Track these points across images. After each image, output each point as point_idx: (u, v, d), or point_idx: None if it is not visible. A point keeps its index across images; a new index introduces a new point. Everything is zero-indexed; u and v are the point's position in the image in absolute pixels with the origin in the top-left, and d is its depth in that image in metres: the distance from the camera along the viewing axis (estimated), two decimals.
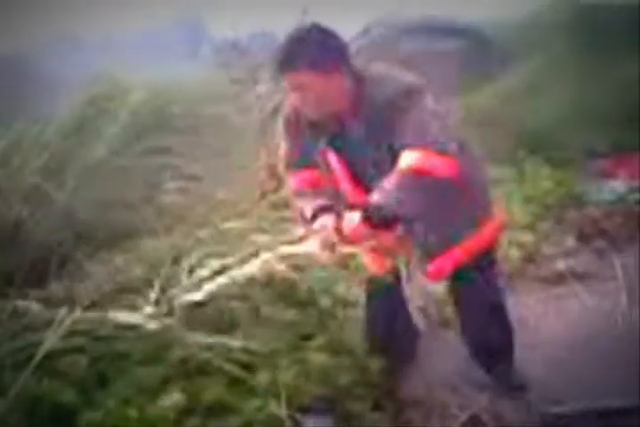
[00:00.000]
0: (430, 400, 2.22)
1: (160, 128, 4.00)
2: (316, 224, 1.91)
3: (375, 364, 2.21)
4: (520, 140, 4.55)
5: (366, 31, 5.42)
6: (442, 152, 1.75)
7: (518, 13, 6.39)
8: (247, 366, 2.04)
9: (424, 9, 6.41)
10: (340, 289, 2.62)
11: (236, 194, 3.65)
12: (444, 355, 2.44)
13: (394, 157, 1.78)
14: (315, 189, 2.00)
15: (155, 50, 7.32)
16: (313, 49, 1.75)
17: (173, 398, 1.87)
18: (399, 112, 1.76)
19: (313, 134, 1.91)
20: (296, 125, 1.94)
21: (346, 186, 1.96)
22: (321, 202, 1.95)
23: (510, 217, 3.41)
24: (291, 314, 2.35)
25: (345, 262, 2.69)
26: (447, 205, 1.88)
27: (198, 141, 4.01)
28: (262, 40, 5.54)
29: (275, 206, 3.32)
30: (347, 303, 2.56)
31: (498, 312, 2.23)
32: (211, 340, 2.11)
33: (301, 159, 2.00)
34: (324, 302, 2.51)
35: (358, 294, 2.52)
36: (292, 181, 2.06)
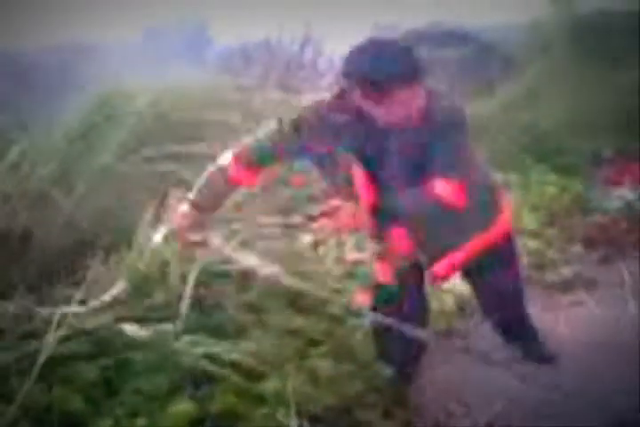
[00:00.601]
0: (439, 410, 2.21)
1: (166, 134, 4.00)
2: None
3: (385, 372, 2.20)
4: (524, 147, 4.55)
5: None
6: (460, 184, 1.86)
7: (520, 20, 6.40)
8: (255, 374, 2.04)
9: (425, 16, 6.44)
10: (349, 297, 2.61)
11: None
12: (453, 363, 2.43)
13: (417, 176, 1.88)
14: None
15: (158, 54, 7.32)
16: (411, 62, 1.78)
17: (183, 406, 1.87)
18: (444, 135, 1.85)
19: (338, 139, 1.93)
20: (314, 128, 1.94)
21: (363, 190, 1.97)
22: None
23: (516, 224, 3.40)
24: (298, 321, 2.34)
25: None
26: (453, 215, 1.94)
27: (204, 148, 4.00)
28: (266, 47, 5.57)
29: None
30: (355, 311, 2.54)
31: (514, 297, 2.38)
32: (218, 348, 2.11)
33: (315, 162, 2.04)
34: (332, 309, 2.50)
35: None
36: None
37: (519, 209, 3.61)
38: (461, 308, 2.90)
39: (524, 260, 3.20)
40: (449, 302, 2.88)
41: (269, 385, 1.98)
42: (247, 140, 2.05)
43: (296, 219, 2.87)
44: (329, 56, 6.01)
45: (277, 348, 2.20)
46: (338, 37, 6.21)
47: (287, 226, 2.92)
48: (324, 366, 2.10)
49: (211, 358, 2.06)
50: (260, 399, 1.97)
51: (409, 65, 1.77)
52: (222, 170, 2.06)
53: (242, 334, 2.28)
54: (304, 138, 1.96)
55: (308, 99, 2.04)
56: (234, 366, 2.06)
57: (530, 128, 4.74)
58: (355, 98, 1.84)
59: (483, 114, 4.68)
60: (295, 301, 2.45)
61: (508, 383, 2.23)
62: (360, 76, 1.78)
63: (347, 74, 1.82)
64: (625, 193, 3.89)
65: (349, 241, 3.01)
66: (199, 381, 2.02)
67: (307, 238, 3.05)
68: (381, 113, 1.83)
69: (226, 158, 2.06)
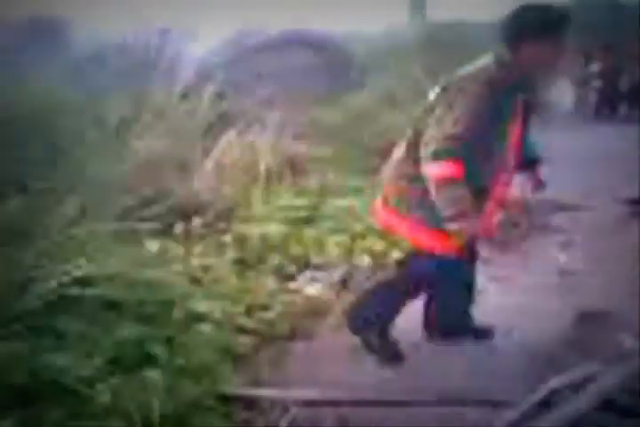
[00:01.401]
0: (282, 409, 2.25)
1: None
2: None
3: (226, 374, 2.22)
4: (375, 151, 4.73)
5: (230, 44, 5.43)
6: None
7: (377, 28, 6.66)
8: (89, 387, 1.99)
9: (285, 22, 6.52)
10: (194, 304, 2.60)
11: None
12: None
13: None
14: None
15: (4, 55, 6.88)
16: (561, 16, 2.20)
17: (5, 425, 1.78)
18: None
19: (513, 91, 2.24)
20: (496, 86, 2.20)
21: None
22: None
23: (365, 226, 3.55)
24: (138, 329, 2.30)
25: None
26: None
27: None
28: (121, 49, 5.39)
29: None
30: (198, 317, 2.55)
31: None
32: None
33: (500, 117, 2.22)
34: (176, 315, 2.48)
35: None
36: (436, 168, 2.17)
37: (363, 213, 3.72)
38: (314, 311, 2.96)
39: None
40: (298, 303, 2.95)
41: (101, 398, 1.94)
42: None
43: (142, 226, 2.83)
44: (187, 56, 5.94)
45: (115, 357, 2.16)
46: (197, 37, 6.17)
47: (133, 232, 2.86)
48: (154, 376, 2.07)
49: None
50: (93, 413, 1.92)
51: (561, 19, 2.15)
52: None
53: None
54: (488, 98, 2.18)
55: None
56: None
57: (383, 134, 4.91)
58: (515, 59, 2.18)
59: (332, 120, 4.79)
60: (136, 308, 2.41)
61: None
62: (525, 27, 2.15)
63: (510, 30, 2.18)
64: None
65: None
66: (27, 397, 1.94)
67: (153, 246, 3.01)
68: (539, 62, 2.18)
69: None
